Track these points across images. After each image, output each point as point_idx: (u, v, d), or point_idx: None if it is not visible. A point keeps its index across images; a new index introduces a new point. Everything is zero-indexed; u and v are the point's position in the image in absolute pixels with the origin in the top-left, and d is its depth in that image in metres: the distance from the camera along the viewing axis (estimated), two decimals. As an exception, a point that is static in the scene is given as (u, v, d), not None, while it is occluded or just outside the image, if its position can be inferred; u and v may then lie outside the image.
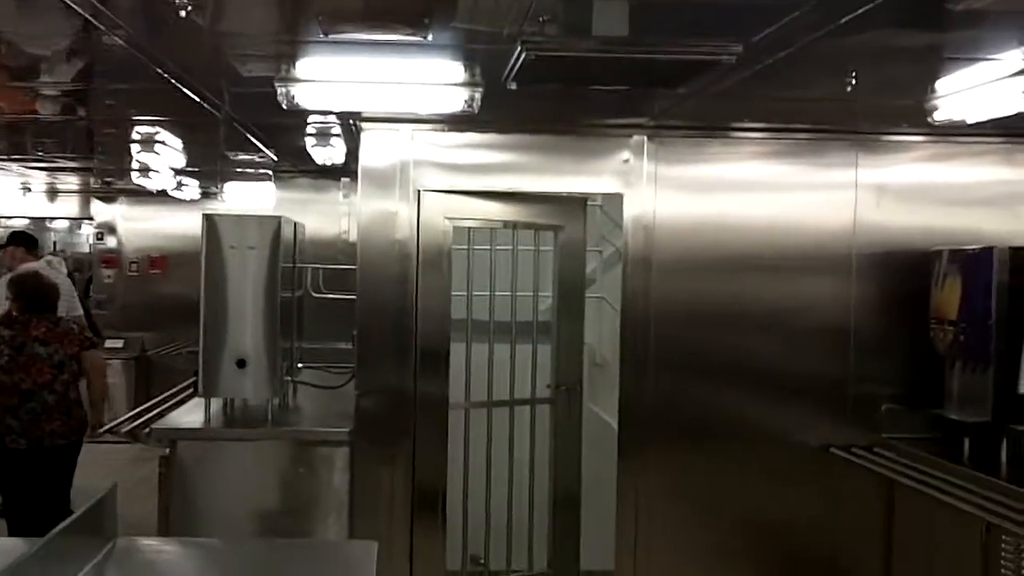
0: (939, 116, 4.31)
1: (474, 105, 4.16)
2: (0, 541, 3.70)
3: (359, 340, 5.12)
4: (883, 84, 4.21)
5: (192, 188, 9.38)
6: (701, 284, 5.18)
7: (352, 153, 5.90)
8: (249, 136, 6.09)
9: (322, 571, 3.17)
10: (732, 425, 5.21)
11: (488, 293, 5.40)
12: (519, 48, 3.40)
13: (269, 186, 8.28)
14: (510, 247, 5.43)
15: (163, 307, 10.24)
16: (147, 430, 5.18)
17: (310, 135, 5.85)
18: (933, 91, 4.15)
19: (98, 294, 10.69)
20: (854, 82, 4.09)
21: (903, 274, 5.16)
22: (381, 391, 5.09)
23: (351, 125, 5.25)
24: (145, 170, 7.79)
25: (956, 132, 5.02)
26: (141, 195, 10.28)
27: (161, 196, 9.55)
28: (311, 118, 5.39)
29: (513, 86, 3.86)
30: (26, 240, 7.87)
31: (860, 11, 2.92)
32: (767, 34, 3.31)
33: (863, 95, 4.39)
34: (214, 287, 5.08)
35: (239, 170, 8.34)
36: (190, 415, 5.34)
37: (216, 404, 5.29)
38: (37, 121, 6.05)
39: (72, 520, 2.94)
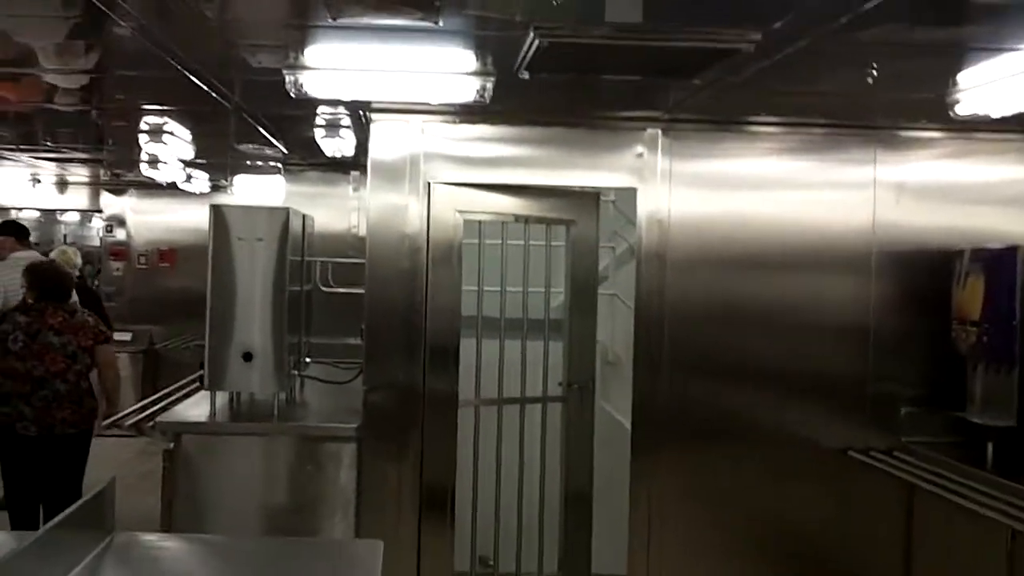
0: (961, 110, 4.20)
1: (486, 95, 4.09)
2: (-3, 535, 3.64)
3: (368, 335, 5.06)
4: (903, 77, 4.10)
5: (202, 181, 9.36)
6: (716, 282, 5.09)
7: (362, 146, 5.85)
8: (259, 127, 6.04)
9: (326, 570, 3.09)
10: (747, 425, 5.13)
11: (499, 288, 5.32)
12: (532, 35, 3.33)
13: (279, 180, 8.23)
14: (521, 242, 5.35)
15: (171, 300, 10.24)
16: (151, 423, 5.12)
17: (319, 126, 5.79)
18: (955, 84, 4.04)
19: (107, 286, 10.67)
20: (874, 74, 3.99)
21: (924, 273, 5.07)
22: (390, 387, 5.03)
23: (361, 117, 5.19)
24: (154, 162, 7.75)
25: (979, 127, 4.92)
26: (151, 188, 10.26)
27: (171, 189, 9.54)
28: (320, 109, 5.32)
29: (525, 75, 3.80)
30: (17, 230, 7.80)
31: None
32: (786, 22, 3.21)
33: (883, 88, 4.29)
34: (221, 279, 5.03)
35: (249, 163, 8.29)
36: (195, 409, 5.31)
37: (222, 398, 5.24)
38: (46, 111, 6.03)
39: (68, 514, 2.87)
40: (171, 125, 6.22)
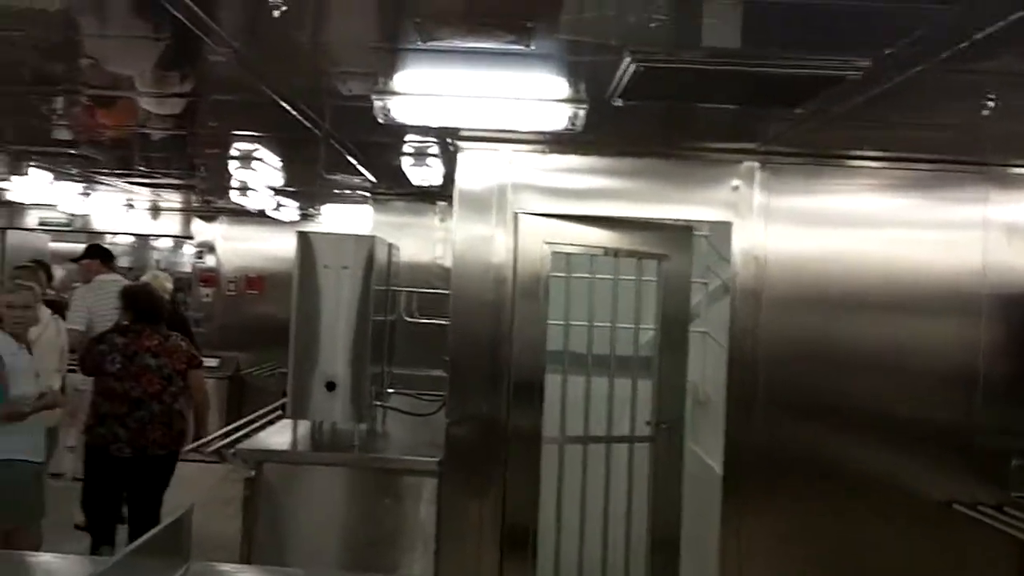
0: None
1: (577, 123, 3.99)
2: (74, 559, 3.63)
3: (451, 367, 4.97)
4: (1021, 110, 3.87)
5: (291, 209, 9.43)
6: (815, 321, 4.89)
7: (449, 177, 5.80)
8: (347, 155, 6.04)
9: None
10: (845, 473, 4.88)
11: (586, 323, 5.18)
12: (627, 59, 3.22)
13: (366, 209, 8.25)
14: (611, 276, 5.22)
15: (259, 327, 10.33)
16: (233, 450, 5.10)
17: (407, 155, 5.76)
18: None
19: (196, 312, 10.81)
20: (991, 106, 3.77)
21: (1038, 318, 4.79)
22: (472, 421, 4.92)
23: (448, 146, 5.13)
24: (245, 189, 7.84)
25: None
26: (241, 215, 10.43)
27: (260, 217, 9.67)
28: (409, 137, 5.29)
29: (619, 102, 3.68)
30: (103, 253, 8.03)
31: (1012, 18, 2.61)
32: (898, 48, 3.03)
33: (998, 122, 4.06)
34: (306, 307, 5.01)
35: (337, 192, 8.33)
36: (278, 437, 5.28)
37: (305, 427, 5.19)
38: (141, 136, 6.12)
39: (146, 540, 2.86)
40: (261, 152, 6.26)
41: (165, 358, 5.91)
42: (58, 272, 9.34)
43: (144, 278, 7.58)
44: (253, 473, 4.89)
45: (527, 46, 3.17)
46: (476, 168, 4.96)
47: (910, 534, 4.85)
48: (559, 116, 3.96)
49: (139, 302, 6.10)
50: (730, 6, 2.89)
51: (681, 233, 5.37)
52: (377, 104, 3.92)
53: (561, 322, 5.13)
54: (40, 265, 7.93)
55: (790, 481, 4.93)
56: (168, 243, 12.46)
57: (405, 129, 4.87)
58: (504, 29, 3.01)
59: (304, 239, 5.03)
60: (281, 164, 6.72)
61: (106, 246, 8.65)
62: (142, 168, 7.80)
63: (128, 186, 8.95)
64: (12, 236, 11.59)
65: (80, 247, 8.75)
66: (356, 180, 7.36)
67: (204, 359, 6.66)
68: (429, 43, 3.19)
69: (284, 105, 4.41)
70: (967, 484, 4.81)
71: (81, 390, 6.90)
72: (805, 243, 4.93)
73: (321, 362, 4.98)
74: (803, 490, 4.93)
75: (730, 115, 4.22)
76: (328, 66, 3.84)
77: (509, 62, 3.45)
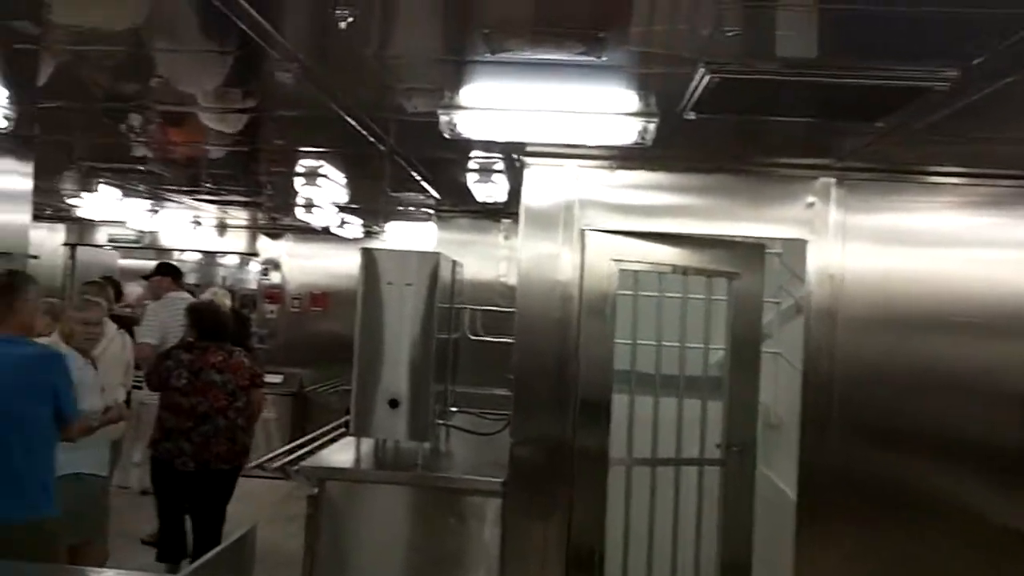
0: None
1: (647, 137, 3.89)
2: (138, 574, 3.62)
3: (516, 386, 4.90)
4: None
5: (355, 226, 9.45)
6: (893, 342, 4.72)
7: (514, 193, 5.73)
8: (412, 172, 6.01)
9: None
10: (924, 499, 4.71)
11: (655, 343, 5.07)
12: (701, 71, 3.12)
13: (430, 226, 8.23)
14: (680, 294, 5.11)
15: (323, 344, 10.34)
16: (296, 467, 5.08)
17: (472, 171, 5.71)
18: None
19: (261, 329, 10.87)
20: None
21: None
22: (538, 441, 4.84)
23: (514, 162, 5.07)
24: (310, 206, 7.87)
25: None
26: (306, 232, 10.51)
27: (325, 234, 9.71)
28: (474, 153, 5.24)
29: (692, 115, 3.58)
30: (172, 270, 8.15)
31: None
32: (989, 58, 2.89)
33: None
34: (370, 324, 4.96)
35: (401, 209, 8.32)
36: (341, 454, 5.24)
37: (368, 444, 5.15)
38: (208, 154, 6.15)
39: (209, 558, 2.86)
40: (326, 168, 6.27)
41: (230, 374, 6.00)
42: (135, 289, 9.47)
43: (204, 296, 7.63)
44: (316, 490, 4.85)
45: (598, 57, 3.09)
46: (542, 184, 4.89)
47: (992, 565, 4.65)
48: (629, 130, 3.87)
49: (204, 320, 6.20)
50: (808, 15, 2.79)
51: (753, 251, 5.24)
52: (443, 119, 3.87)
53: (628, 341, 5.03)
54: (108, 281, 8.04)
55: (865, 506, 4.77)
56: (234, 260, 12.57)
57: (471, 144, 4.83)
58: (575, 39, 2.93)
59: (368, 256, 5.00)
60: (346, 181, 6.73)
61: (174, 263, 8.75)
62: (209, 185, 7.88)
63: (195, 203, 9.06)
64: (82, 252, 11.80)
65: (148, 264, 8.86)
66: (420, 197, 7.36)
67: (268, 375, 6.71)
68: (497, 55, 3.13)
69: (349, 120, 4.40)
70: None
71: (146, 404, 6.98)
72: (882, 262, 4.78)
73: (384, 379, 4.94)
74: (879, 515, 4.76)
75: (805, 129, 4.10)
76: (394, 81, 3.80)
77: (579, 74, 3.38)
